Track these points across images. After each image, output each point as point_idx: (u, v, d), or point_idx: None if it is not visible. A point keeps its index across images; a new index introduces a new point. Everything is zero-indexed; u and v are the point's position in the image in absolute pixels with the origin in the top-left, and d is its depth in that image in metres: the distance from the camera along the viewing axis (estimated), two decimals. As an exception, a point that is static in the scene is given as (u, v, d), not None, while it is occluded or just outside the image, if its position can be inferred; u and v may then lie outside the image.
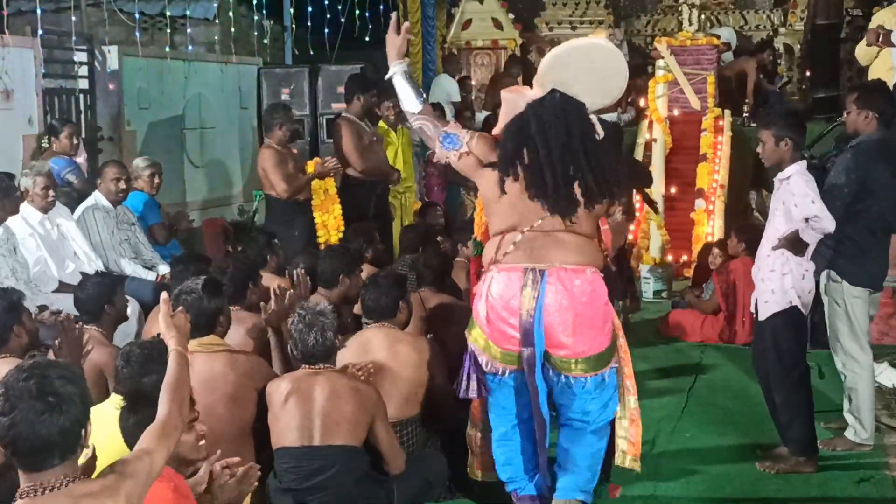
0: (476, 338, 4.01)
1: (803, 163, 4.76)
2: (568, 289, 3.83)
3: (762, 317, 4.85)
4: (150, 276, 6.53)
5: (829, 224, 4.58)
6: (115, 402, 3.73)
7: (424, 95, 4.30)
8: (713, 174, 9.48)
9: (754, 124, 10.62)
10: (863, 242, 5.00)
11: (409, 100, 4.20)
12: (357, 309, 5.32)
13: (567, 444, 4.06)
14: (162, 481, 3.23)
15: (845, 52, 11.40)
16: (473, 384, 4.03)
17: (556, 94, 3.92)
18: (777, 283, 4.76)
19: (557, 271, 3.83)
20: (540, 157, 3.83)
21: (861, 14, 11.97)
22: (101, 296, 4.83)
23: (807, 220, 4.59)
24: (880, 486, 4.72)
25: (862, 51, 8.23)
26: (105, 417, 3.52)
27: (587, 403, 3.97)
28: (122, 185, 6.64)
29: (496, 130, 4.13)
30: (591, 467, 4.06)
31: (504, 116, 4.05)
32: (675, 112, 10.13)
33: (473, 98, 12.78)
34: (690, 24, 10.31)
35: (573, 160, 3.84)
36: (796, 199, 4.62)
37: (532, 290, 3.83)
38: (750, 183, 10.08)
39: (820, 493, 4.66)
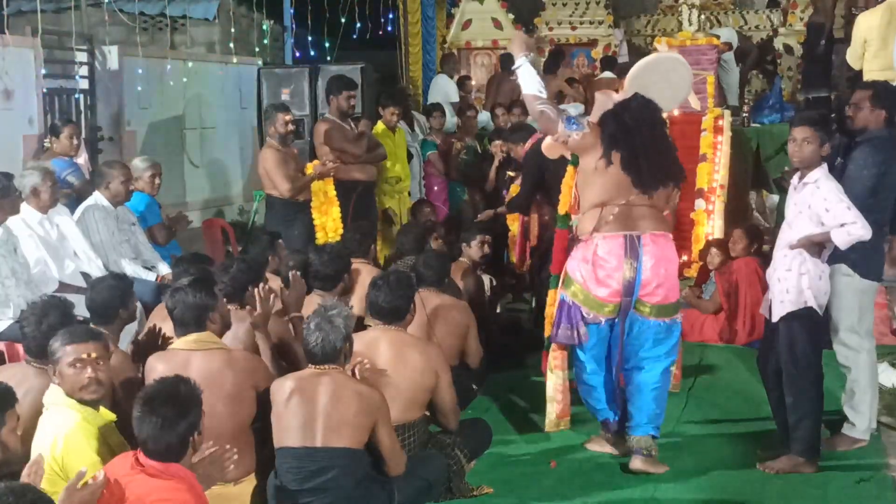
0: (575, 293, 4.91)
1: (825, 167, 4.80)
2: (659, 249, 4.81)
3: (776, 317, 4.85)
4: (150, 276, 6.52)
5: (865, 231, 4.62)
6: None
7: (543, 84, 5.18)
8: (713, 174, 9.45)
9: (755, 124, 10.62)
10: (873, 236, 5.02)
11: (534, 87, 5.01)
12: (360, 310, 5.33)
13: (639, 384, 4.93)
14: (180, 485, 3.27)
15: (839, 52, 11.36)
16: (565, 331, 4.92)
17: (639, 97, 4.91)
18: (793, 282, 4.77)
19: (650, 236, 4.81)
20: (635, 146, 4.77)
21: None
22: (115, 298, 4.77)
23: (842, 225, 4.61)
24: (880, 486, 4.72)
25: (851, 55, 8.27)
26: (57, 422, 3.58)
27: (659, 343, 4.91)
28: (129, 186, 6.63)
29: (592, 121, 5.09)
30: (659, 404, 4.96)
31: (597, 111, 5.05)
32: (675, 112, 10.09)
33: (474, 98, 12.78)
34: (690, 25, 10.28)
35: (655, 151, 4.81)
36: (828, 205, 4.65)
37: (633, 252, 4.77)
38: (750, 183, 10.07)
39: (820, 493, 4.66)
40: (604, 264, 4.82)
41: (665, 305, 4.88)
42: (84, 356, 3.77)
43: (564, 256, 5.15)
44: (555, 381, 5.26)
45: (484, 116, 10.94)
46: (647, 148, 4.79)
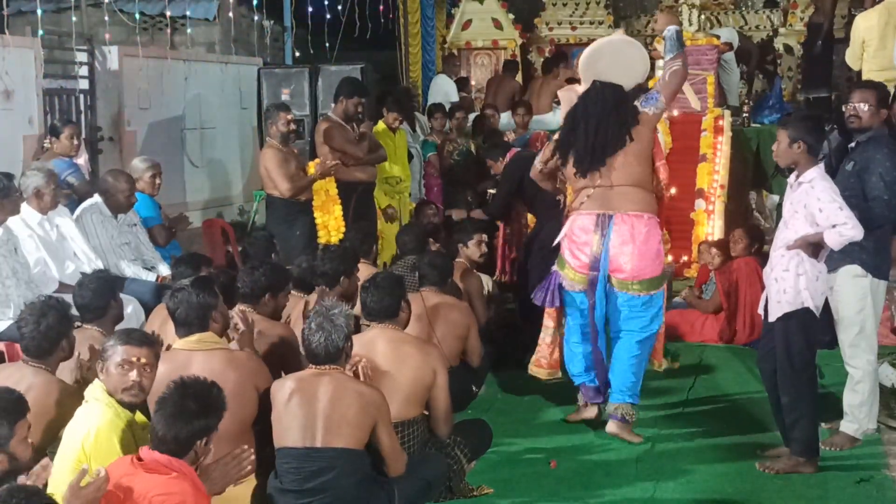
0: (559, 262, 5.38)
1: (821, 166, 4.79)
2: (630, 229, 5.15)
3: (773, 317, 4.85)
4: (151, 276, 6.52)
5: (857, 232, 4.61)
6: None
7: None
8: (713, 174, 9.47)
9: (755, 124, 10.64)
10: (882, 236, 5.02)
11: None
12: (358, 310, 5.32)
13: (616, 352, 5.33)
14: (180, 479, 3.27)
15: (839, 52, 11.37)
16: (549, 295, 5.41)
17: (598, 83, 5.25)
18: (790, 283, 4.76)
19: (622, 216, 5.16)
20: (578, 133, 5.18)
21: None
22: (104, 292, 4.81)
23: (834, 226, 4.61)
24: (880, 486, 4.72)
25: (850, 55, 8.29)
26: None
27: (635, 316, 5.25)
28: (132, 199, 6.64)
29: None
30: (636, 372, 5.29)
31: (564, 109, 5.53)
32: (675, 112, 10.11)
33: (474, 98, 12.77)
34: (690, 25, 10.29)
35: (610, 124, 5.14)
36: (821, 205, 4.64)
37: (602, 229, 5.16)
38: (750, 183, 10.07)
39: (820, 493, 4.66)
40: (576, 238, 5.26)
41: (640, 281, 5.20)
42: (133, 359, 3.79)
43: None
44: (544, 335, 5.62)
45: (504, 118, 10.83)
46: (597, 127, 5.15)
